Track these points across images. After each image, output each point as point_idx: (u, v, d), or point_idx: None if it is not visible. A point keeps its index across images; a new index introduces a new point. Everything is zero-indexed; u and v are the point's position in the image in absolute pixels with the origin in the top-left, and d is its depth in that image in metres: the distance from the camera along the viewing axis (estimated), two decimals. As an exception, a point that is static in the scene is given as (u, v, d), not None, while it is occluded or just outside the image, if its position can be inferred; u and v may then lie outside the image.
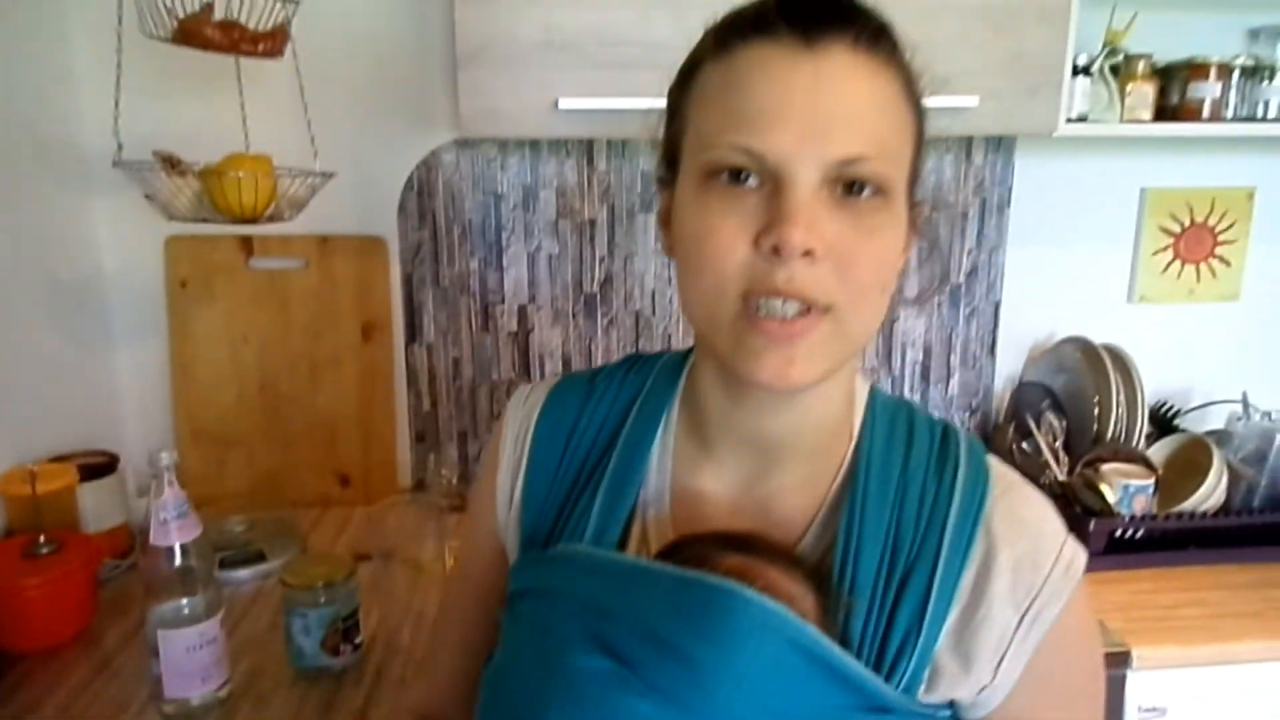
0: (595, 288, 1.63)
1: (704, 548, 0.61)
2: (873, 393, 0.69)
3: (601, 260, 1.62)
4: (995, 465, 0.65)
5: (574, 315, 1.64)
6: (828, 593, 0.60)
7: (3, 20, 1.29)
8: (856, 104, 0.55)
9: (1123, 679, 1.18)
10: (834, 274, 0.55)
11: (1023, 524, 0.61)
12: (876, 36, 0.57)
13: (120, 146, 1.16)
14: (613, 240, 1.61)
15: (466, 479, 1.64)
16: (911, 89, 0.60)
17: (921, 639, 0.58)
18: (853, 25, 0.56)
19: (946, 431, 0.67)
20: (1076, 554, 0.61)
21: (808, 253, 0.54)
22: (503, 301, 1.62)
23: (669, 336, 1.66)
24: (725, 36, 0.59)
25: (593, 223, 1.60)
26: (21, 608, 1.08)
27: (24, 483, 1.19)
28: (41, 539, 1.13)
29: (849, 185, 0.56)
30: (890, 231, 0.58)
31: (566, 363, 1.66)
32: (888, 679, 0.58)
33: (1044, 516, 0.63)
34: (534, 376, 1.66)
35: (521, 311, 1.63)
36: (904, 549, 0.61)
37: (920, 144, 0.61)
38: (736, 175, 0.56)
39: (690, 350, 0.73)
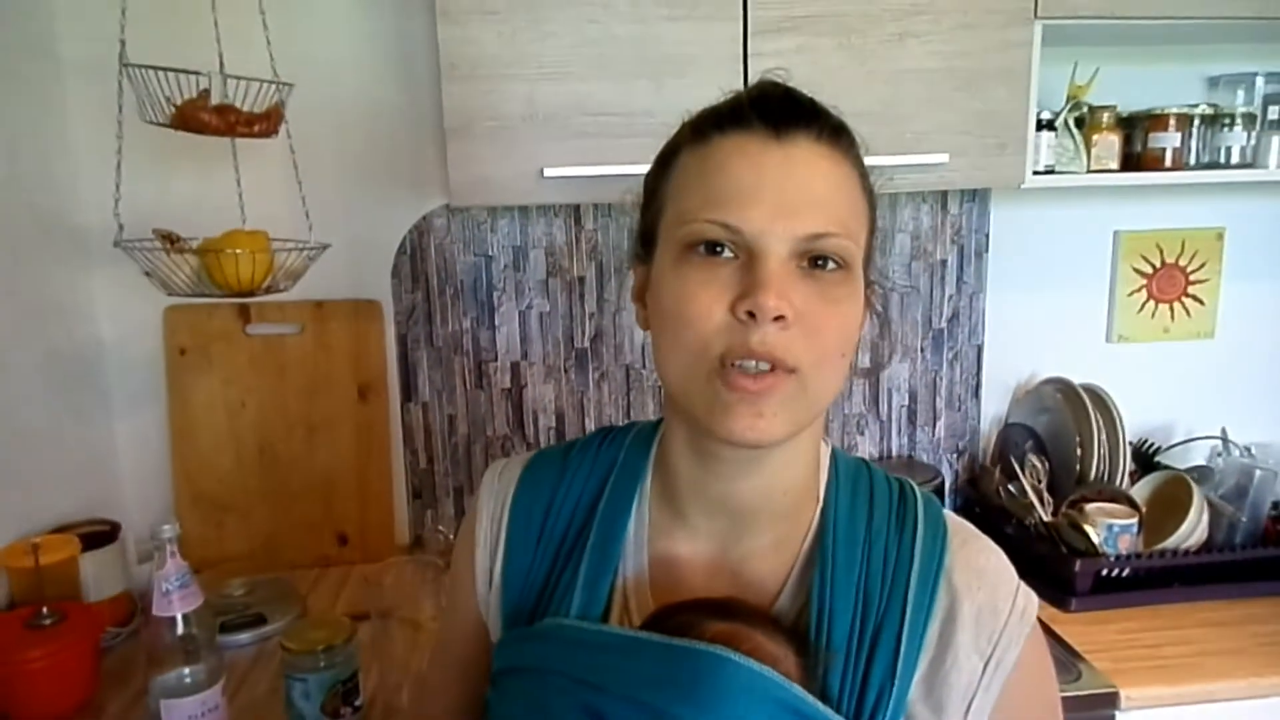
0: (586, 343, 1.67)
1: (689, 615, 0.63)
2: (834, 455, 0.73)
3: (591, 316, 1.66)
4: (950, 519, 0.69)
5: (566, 370, 1.67)
6: (807, 651, 0.63)
7: (8, 108, 1.34)
8: (820, 188, 0.61)
9: (1111, 719, 1.20)
10: (802, 338, 0.60)
11: (980, 574, 0.65)
12: (836, 133, 0.63)
13: (121, 228, 1.20)
14: (602, 296, 1.65)
15: (463, 535, 1.66)
16: (865, 181, 0.66)
17: (895, 690, 0.61)
18: (815, 122, 0.62)
19: (904, 488, 0.71)
20: (1029, 599, 0.66)
21: (779, 317, 0.58)
22: (496, 359, 1.65)
23: (658, 389, 1.69)
24: (702, 128, 0.65)
25: (582, 280, 1.64)
26: (24, 680, 1.09)
27: (26, 555, 1.21)
28: (44, 610, 1.15)
29: (814, 260, 0.61)
30: (851, 302, 0.63)
31: (560, 417, 1.69)
32: None
33: (999, 566, 0.67)
34: (528, 432, 1.68)
35: (514, 368, 1.66)
36: (873, 604, 0.64)
37: (873, 229, 0.67)
38: (713, 248, 0.61)
39: (660, 420, 0.76)
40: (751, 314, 0.58)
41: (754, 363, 0.59)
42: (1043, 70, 1.34)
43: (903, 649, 0.62)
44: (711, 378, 0.61)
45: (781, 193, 0.60)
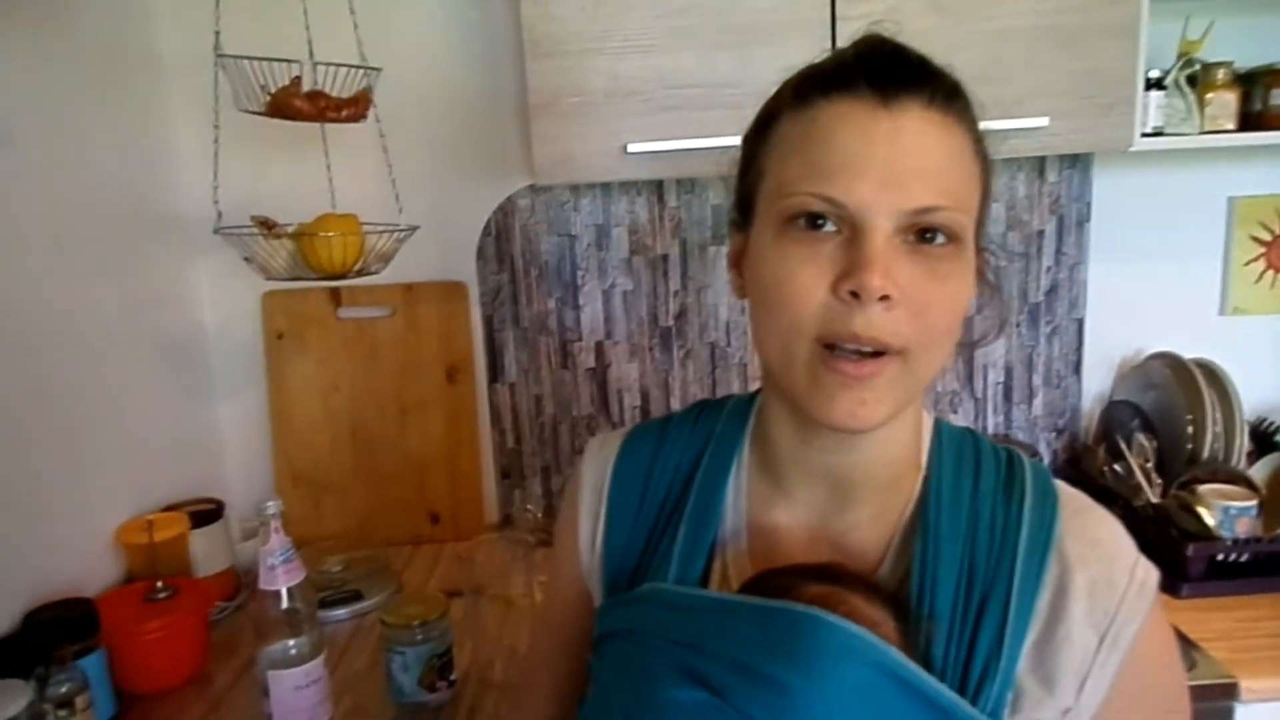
0: (670, 321, 1.66)
1: (786, 579, 0.63)
2: (937, 424, 0.71)
3: (675, 294, 1.65)
4: (1063, 488, 0.66)
5: (650, 349, 1.67)
6: (907, 619, 0.61)
7: (114, 108, 1.39)
8: (930, 158, 0.58)
9: (1230, 711, 1.14)
10: (908, 319, 0.58)
11: (1095, 545, 0.63)
12: (949, 96, 0.59)
13: (220, 215, 1.24)
14: (685, 274, 1.64)
15: (551, 514, 1.67)
16: (979, 145, 0.62)
17: (1003, 662, 0.59)
18: (927, 86, 0.59)
19: (1012, 458, 0.69)
20: (1150, 572, 0.62)
21: (884, 297, 0.56)
22: (580, 339, 1.66)
23: (745, 367, 1.67)
24: (805, 90, 0.61)
25: (665, 258, 1.63)
26: (143, 650, 1.15)
27: (142, 532, 1.28)
28: (159, 584, 1.21)
29: (921, 233, 0.58)
30: (960, 278, 0.60)
31: (644, 396, 1.68)
32: (973, 703, 0.59)
33: (1115, 537, 0.64)
34: (612, 411, 1.69)
35: (599, 348, 1.66)
36: (979, 575, 0.62)
37: (986, 195, 0.63)
38: (814, 221, 0.59)
39: (755, 393, 0.76)
40: (855, 294, 0.56)
41: (858, 347, 0.57)
42: (1150, 26, 1.26)
43: (1010, 620, 0.60)
44: (812, 360, 0.59)
45: (889, 164, 0.57)
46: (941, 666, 0.59)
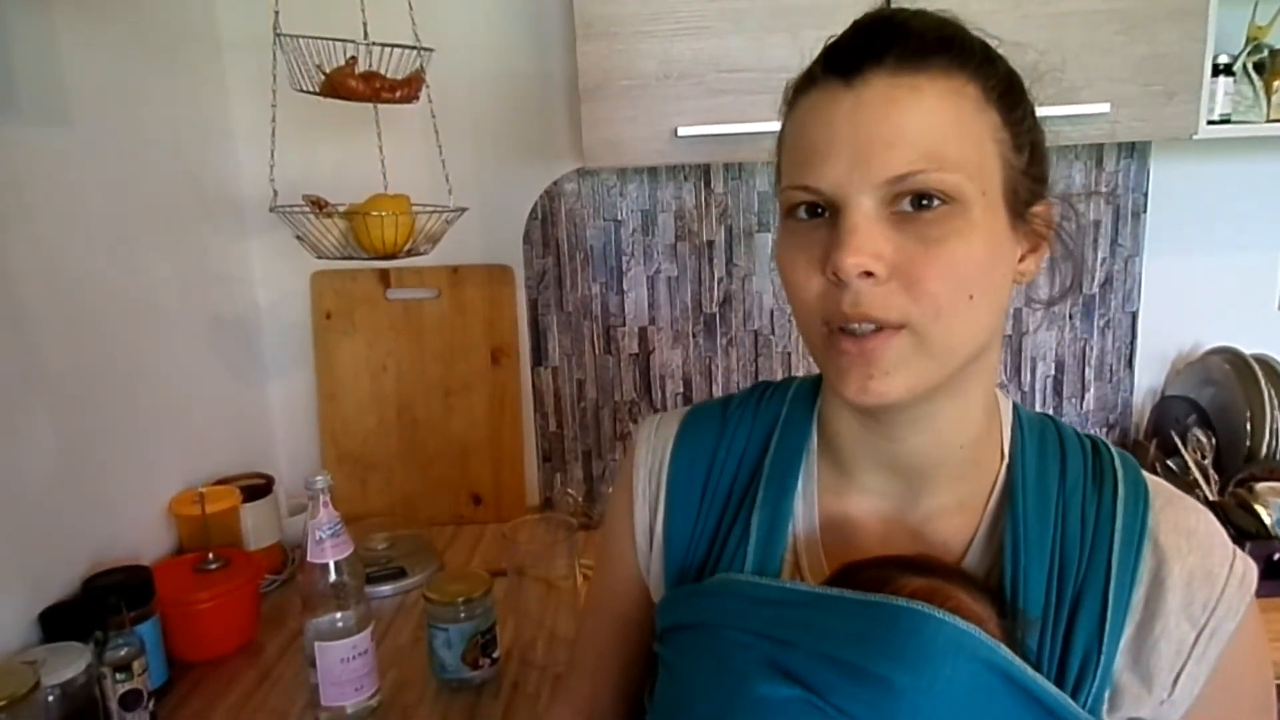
0: (714, 308, 1.65)
1: (881, 571, 0.61)
2: (1016, 410, 0.69)
3: (720, 281, 1.64)
4: (1150, 478, 0.65)
5: (694, 336, 1.66)
6: (1004, 613, 0.60)
7: (172, 83, 1.42)
8: (900, 124, 0.56)
9: (1287, 713, 1.11)
10: (900, 291, 0.56)
11: (1189, 536, 0.61)
12: (920, 55, 0.57)
13: (275, 193, 1.26)
14: (731, 261, 1.63)
15: (591, 498, 1.68)
16: (992, 93, 0.59)
17: (1102, 658, 0.58)
18: (889, 53, 0.57)
19: (1097, 445, 0.67)
20: (1249, 566, 0.61)
21: (867, 274, 0.56)
22: (624, 324, 1.66)
23: (788, 355, 1.66)
24: (791, 94, 0.64)
25: (710, 244, 1.62)
26: (195, 620, 1.17)
27: (194, 504, 1.30)
28: (210, 556, 1.23)
29: (918, 200, 0.56)
30: (964, 239, 0.57)
31: (687, 383, 1.68)
32: (1072, 699, 0.58)
33: (1210, 528, 0.62)
34: (655, 397, 1.68)
35: (642, 333, 1.66)
36: (1071, 567, 0.61)
37: (1020, 144, 0.60)
38: (813, 211, 0.60)
39: (821, 376, 0.74)
40: (836, 274, 0.56)
41: (858, 325, 0.57)
42: (1218, 10, 1.23)
43: (1109, 614, 0.59)
44: (825, 342, 0.60)
45: (853, 141, 0.56)
46: (1036, 663, 0.58)
